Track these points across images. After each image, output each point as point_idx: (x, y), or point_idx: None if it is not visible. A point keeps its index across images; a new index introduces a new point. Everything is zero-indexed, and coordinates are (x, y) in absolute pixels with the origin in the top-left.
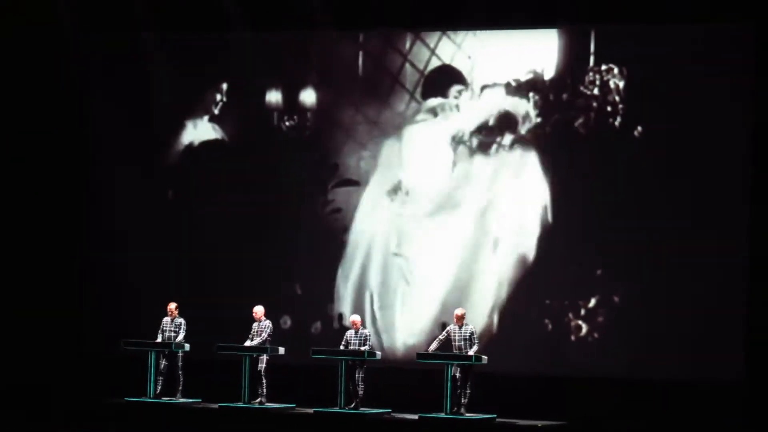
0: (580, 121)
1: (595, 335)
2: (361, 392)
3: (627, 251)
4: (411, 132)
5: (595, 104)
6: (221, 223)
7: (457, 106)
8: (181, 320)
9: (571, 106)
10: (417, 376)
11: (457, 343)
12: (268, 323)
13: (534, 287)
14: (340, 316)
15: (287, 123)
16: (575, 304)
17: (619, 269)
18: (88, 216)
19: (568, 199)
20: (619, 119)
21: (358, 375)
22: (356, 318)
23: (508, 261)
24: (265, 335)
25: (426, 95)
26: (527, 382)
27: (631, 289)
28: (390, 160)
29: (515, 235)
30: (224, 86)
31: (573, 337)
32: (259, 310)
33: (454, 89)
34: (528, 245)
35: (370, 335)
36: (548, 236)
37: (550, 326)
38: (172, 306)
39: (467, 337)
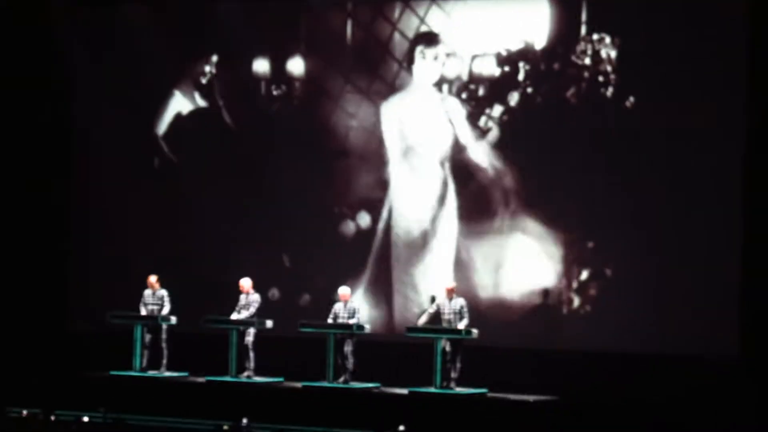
0: (572, 91)
1: (588, 308)
2: (350, 366)
3: (619, 223)
4: (399, 102)
5: (586, 74)
6: (208, 193)
7: (445, 76)
8: (164, 292)
9: (562, 76)
10: (406, 350)
11: (446, 317)
12: (256, 296)
13: (525, 260)
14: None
15: (275, 92)
16: (567, 277)
17: (611, 241)
18: (72, 187)
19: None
20: (611, 89)
21: (347, 349)
22: (345, 290)
23: None
24: (253, 309)
25: (414, 63)
26: (519, 356)
27: (624, 261)
28: (379, 129)
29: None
30: (213, 57)
31: (565, 310)
32: (246, 283)
33: (442, 57)
34: None
35: (358, 308)
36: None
37: (541, 299)
38: (153, 279)
39: (457, 311)
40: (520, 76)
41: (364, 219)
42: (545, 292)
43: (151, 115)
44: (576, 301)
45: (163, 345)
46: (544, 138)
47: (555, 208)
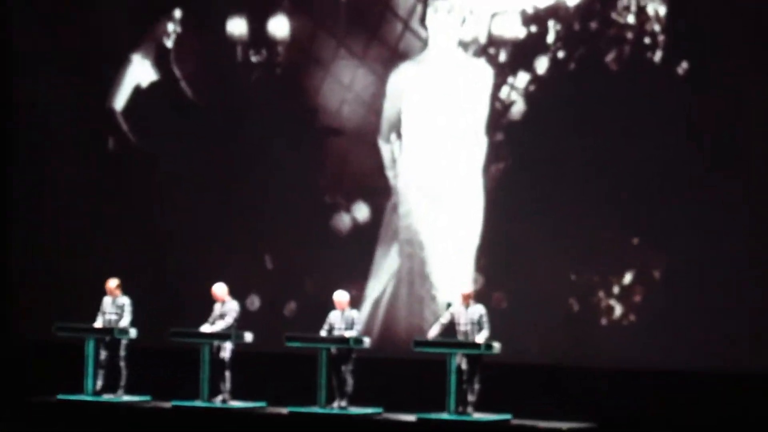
0: (612, 56)
1: (631, 318)
2: (349, 388)
3: (669, 215)
4: (404, 71)
5: (630, 35)
6: (174, 180)
7: (461, 40)
8: (125, 300)
9: (601, 38)
10: (415, 368)
11: (462, 328)
12: (233, 304)
13: (557, 259)
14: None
15: (254, 58)
16: (607, 280)
17: (661, 237)
18: (12, 172)
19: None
20: (659, 53)
21: (345, 367)
22: (341, 296)
23: None
24: (229, 319)
25: (424, 24)
26: (548, 375)
27: (676, 261)
28: (379, 102)
29: None
30: (177, 13)
31: (604, 321)
32: (220, 290)
33: (458, 16)
34: None
35: (358, 318)
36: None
37: (575, 307)
38: (112, 284)
39: (475, 320)
40: (550, 38)
41: (361, 211)
42: (581, 299)
43: (104, 86)
44: (617, 310)
45: (122, 363)
46: (579, 112)
47: (591, 196)
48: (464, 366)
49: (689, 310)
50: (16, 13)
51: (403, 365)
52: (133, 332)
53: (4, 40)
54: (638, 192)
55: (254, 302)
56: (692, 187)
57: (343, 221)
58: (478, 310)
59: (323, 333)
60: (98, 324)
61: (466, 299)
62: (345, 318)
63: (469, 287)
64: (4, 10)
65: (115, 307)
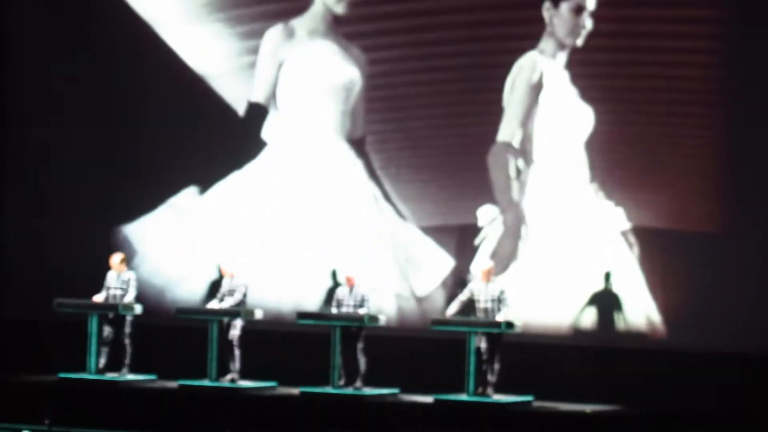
0: None
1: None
2: (362, 367)
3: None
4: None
5: None
6: (174, 127)
7: None
8: (131, 275)
9: None
10: (432, 348)
11: (482, 305)
12: (242, 279)
13: None
14: (334, 273)
15: None
16: None
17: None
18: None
19: None
20: None
21: (358, 346)
22: (351, 273)
23: None
24: (238, 295)
25: None
26: (572, 354)
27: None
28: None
29: None
30: None
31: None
32: (228, 265)
33: None
34: None
35: (368, 294)
36: None
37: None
38: (116, 259)
39: (496, 297)
40: None
41: None
42: (607, 275)
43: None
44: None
45: (126, 341)
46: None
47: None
48: (483, 345)
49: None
50: None
51: (421, 344)
52: (138, 308)
53: None
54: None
55: None
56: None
57: None
58: (499, 287)
59: (333, 310)
60: (101, 299)
61: (487, 275)
62: (354, 295)
63: (489, 262)
64: None
65: (120, 282)
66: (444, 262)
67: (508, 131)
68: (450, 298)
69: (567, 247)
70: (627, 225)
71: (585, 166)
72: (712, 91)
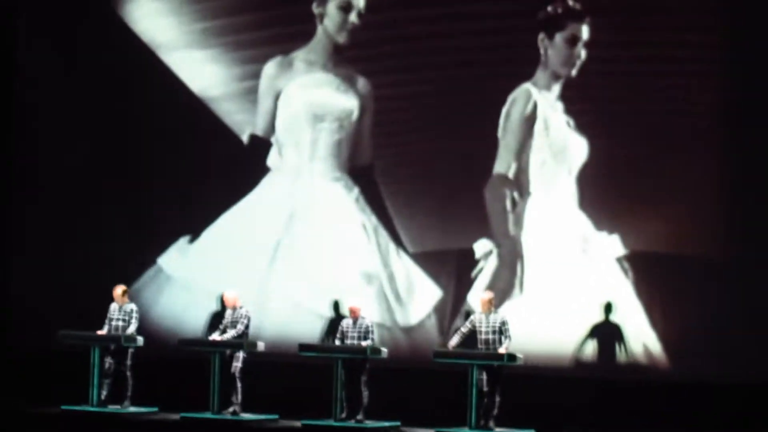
0: None
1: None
2: (365, 400)
3: None
4: None
5: None
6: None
7: None
8: (132, 306)
9: None
10: (434, 380)
11: (483, 336)
12: (244, 311)
13: None
14: (336, 304)
15: None
16: None
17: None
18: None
19: None
20: None
21: (362, 378)
22: (356, 303)
23: None
24: (241, 327)
25: None
26: (573, 387)
27: None
28: None
29: None
30: None
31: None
32: (231, 296)
33: None
34: None
35: (372, 326)
36: None
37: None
38: (119, 290)
39: (497, 328)
40: None
41: None
42: (607, 306)
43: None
44: None
45: (128, 373)
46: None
47: None
48: (484, 377)
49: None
50: None
51: (423, 377)
52: (140, 340)
53: None
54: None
55: None
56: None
57: None
58: (500, 317)
59: (337, 342)
60: (104, 331)
61: (487, 306)
62: (358, 327)
63: (489, 293)
64: None
65: (123, 314)
66: (432, 293)
67: (503, 163)
68: (441, 328)
69: (565, 278)
70: (622, 251)
71: (577, 195)
72: (709, 115)
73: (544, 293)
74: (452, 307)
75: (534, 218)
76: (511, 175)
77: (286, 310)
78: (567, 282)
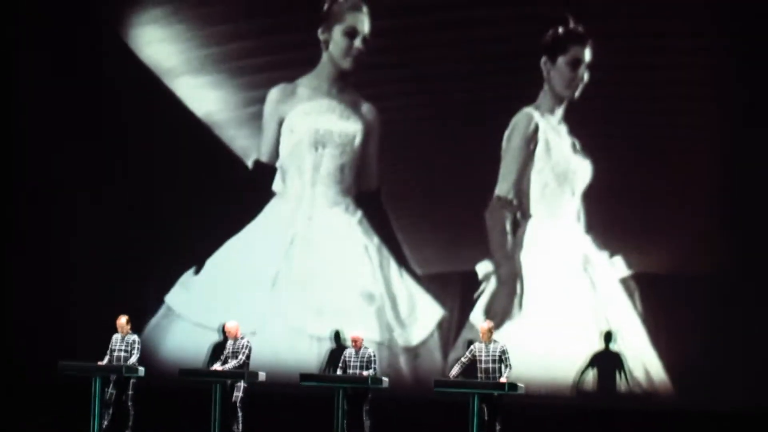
0: None
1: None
2: (367, 429)
3: None
4: None
5: None
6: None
7: None
8: (134, 337)
9: None
10: (436, 409)
11: (483, 365)
12: (245, 341)
13: None
14: (337, 334)
15: None
16: None
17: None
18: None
19: None
20: None
21: (363, 407)
22: (358, 333)
23: None
24: (242, 357)
25: None
26: (577, 416)
27: None
28: None
29: None
30: None
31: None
32: (232, 326)
33: None
34: None
35: (375, 355)
36: None
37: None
38: (123, 320)
39: (497, 357)
40: None
41: None
42: (606, 335)
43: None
44: None
45: (129, 403)
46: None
47: None
48: (484, 406)
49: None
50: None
51: (424, 406)
52: (141, 371)
53: None
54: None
55: None
56: None
57: None
58: (500, 346)
59: (339, 372)
60: (105, 361)
61: (487, 335)
62: (360, 356)
63: (488, 322)
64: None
65: (125, 344)
66: (434, 313)
67: (504, 186)
68: (443, 350)
69: (567, 299)
70: (627, 272)
71: (582, 216)
72: (713, 137)
73: (543, 314)
74: (456, 328)
75: (535, 240)
76: (511, 197)
77: (287, 332)
78: (568, 303)
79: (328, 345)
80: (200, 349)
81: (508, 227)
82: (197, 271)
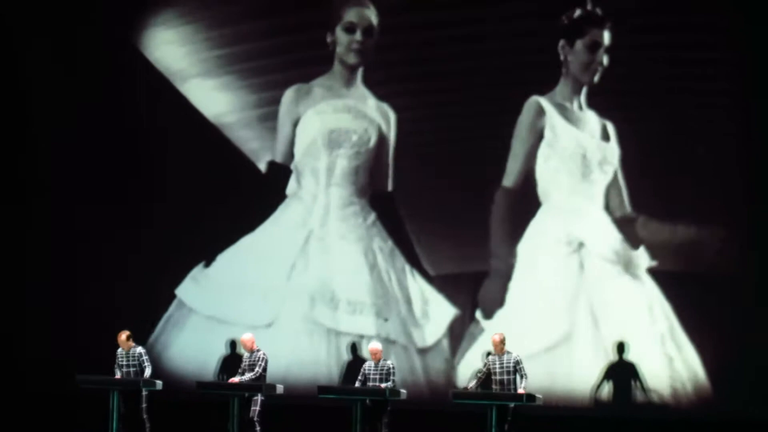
0: None
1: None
2: None
3: None
4: None
5: None
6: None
7: None
8: (140, 350)
9: None
10: (454, 421)
11: (498, 377)
12: (261, 354)
13: None
14: (354, 346)
15: None
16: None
17: None
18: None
19: None
20: None
21: (383, 420)
22: (376, 345)
23: None
24: (258, 369)
25: None
26: (594, 426)
27: None
28: None
29: None
30: None
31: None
32: (247, 338)
33: None
34: None
35: (394, 367)
36: None
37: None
38: (123, 336)
39: (511, 369)
40: None
41: None
42: (620, 346)
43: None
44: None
45: (145, 416)
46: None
47: None
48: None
49: None
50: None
51: (442, 418)
52: (159, 384)
53: None
54: None
55: None
56: None
57: None
58: (513, 357)
59: (358, 384)
60: (117, 376)
61: (498, 346)
62: (379, 368)
63: (499, 333)
64: None
65: (131, 359)
66: (447, 313)
67: (510, 176)
68: (452, 349)
69: (554, 287)
70: (650, 263)
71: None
72: (737, 119)
73: (531, 304)
74: (469, 328)
75: (540, 229)
76: (516, 187)
77: (303, 324)
78: (556, 289)
79: (345, 363)
80: (212, 347)
81: (508, 216)
82: (207, 264)
